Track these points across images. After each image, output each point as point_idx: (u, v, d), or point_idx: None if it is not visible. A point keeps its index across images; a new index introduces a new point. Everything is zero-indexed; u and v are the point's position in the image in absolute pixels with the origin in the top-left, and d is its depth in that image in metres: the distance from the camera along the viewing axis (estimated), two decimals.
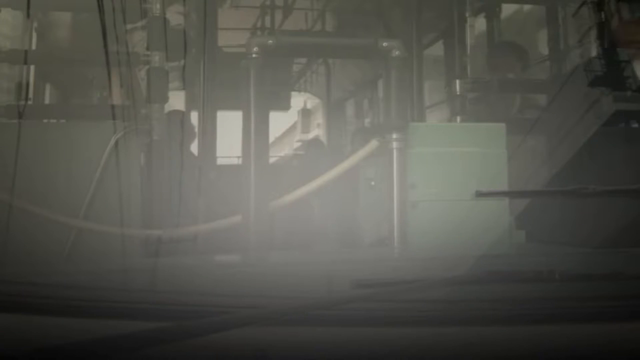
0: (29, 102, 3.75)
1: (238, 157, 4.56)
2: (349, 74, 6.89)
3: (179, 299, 1.11)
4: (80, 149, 3.52)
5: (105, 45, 3.08)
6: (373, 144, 3.19)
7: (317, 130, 8.14)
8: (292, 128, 9.66)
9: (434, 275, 1.30)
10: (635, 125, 3.14)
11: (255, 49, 3.42)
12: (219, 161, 4.50)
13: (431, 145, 3.22)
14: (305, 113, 8.70)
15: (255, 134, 3.55)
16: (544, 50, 4.94)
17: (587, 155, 3.06)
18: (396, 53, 3.42)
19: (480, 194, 2.15)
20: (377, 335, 0.98)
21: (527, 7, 5.34)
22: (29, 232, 3.12)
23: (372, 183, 3.32)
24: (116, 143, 3.15)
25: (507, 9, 5.09)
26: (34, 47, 4.16)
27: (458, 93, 4.39)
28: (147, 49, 3.24)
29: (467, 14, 4.48)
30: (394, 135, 3.23)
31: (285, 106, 7.05)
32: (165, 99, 3.30)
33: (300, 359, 0.95)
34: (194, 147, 4.22)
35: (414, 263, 1.93)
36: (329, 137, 7.30)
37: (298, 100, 8.44)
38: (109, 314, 1.04)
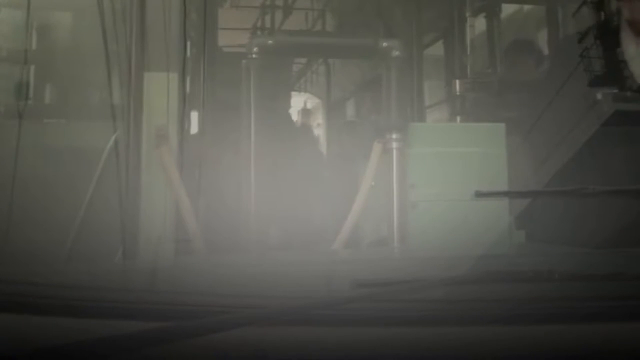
0: (29, 102, 3.75)
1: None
2: (349, 74, 6.89)
3: (179, 299, 1.11)
4: (80, 149, 3.52)
5: (106, 45, 3.09)
6: (377, 147, 3.19)
7: (317, 130, 8.13)
8: None
9: (434, 275, 1.30)
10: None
11: (255, 49, 3.42)
12: None
13: (431, 146, 3.22)
14: (305, 113, 8.70)
15: (255, 134, 3.55)
16: (544, 49, 4.94)
17: (587, 155, 3.06)
18: (396, 53, 3.43)
19: (479, 194, 2.15)
20: (377, 335, 0.98)
21: (527, 7, 5.35)
22: (29, 232, 3.12)
23: (372, 183, 3.33)
24: (116, 143, 3.16)
25: (507, 9, 5.09)
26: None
27: (458, 93, 4.39)
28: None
29: (467, 14, 4.48)
30: (394, 135, 3.23)
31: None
32: None
33: (300, 359, 0.95)
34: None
35: (414, 263, 1.94)
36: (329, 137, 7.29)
37: (298, 100, 8.44)
38: (109, 314, 1.04)
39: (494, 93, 4.40)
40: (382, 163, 3.23)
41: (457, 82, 4.40)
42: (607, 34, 2.94)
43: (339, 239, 3.07)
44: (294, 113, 8.13)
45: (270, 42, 3.50)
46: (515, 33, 5.14)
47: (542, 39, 5.03)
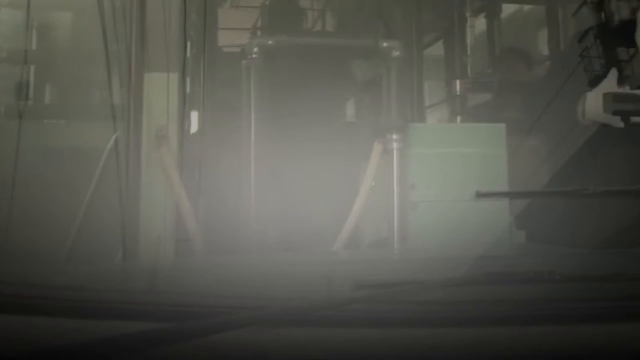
0: (29, 102, 3.75)
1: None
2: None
3: (179, 299, 1.11)
4: (80, 149, 3.52)
5: (106, 46, 3.09)
6: (377, 147, 3.19)
7: None
8: None
9: (435, 276, 1.30)
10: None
11: (255, 50, 3.42)
12: None
13: (431, 146, 3.22)
14: None
15: (255, 134, 3.55)
16: (544, 50, 4.94)
17: (587, 155, 3.06)
18: (396, 53, 3.42)
19: (480, 195, 2.15)
20: (377, 336, 0.99)
21: (527, 7, 5.34)
22: (29, 232, 3.12)
23: (373, 184, 3.33)
24: (116, 143, 3.16)
25: (507, 9, 5.09)
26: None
27: (458, 93, 4.39)
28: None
29: (467, 14, 4.48)
30: (394, 136, 3.23)
31: None
32: None
33: None
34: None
35: (415, 264, 1.94)
36: None
37: None
38: (109, 314, 1.04)
39: (494, 93, 4.40)
40: (382, 163, 3.23)
41: (457, 82, 4.40)
42: (607, 34, 2.94)
43: (339, 239, 3.07)
44: None
45: (270, 42, 3.50)
46: (516, 33, 5.14)
47: (542, 38, 5.03)
